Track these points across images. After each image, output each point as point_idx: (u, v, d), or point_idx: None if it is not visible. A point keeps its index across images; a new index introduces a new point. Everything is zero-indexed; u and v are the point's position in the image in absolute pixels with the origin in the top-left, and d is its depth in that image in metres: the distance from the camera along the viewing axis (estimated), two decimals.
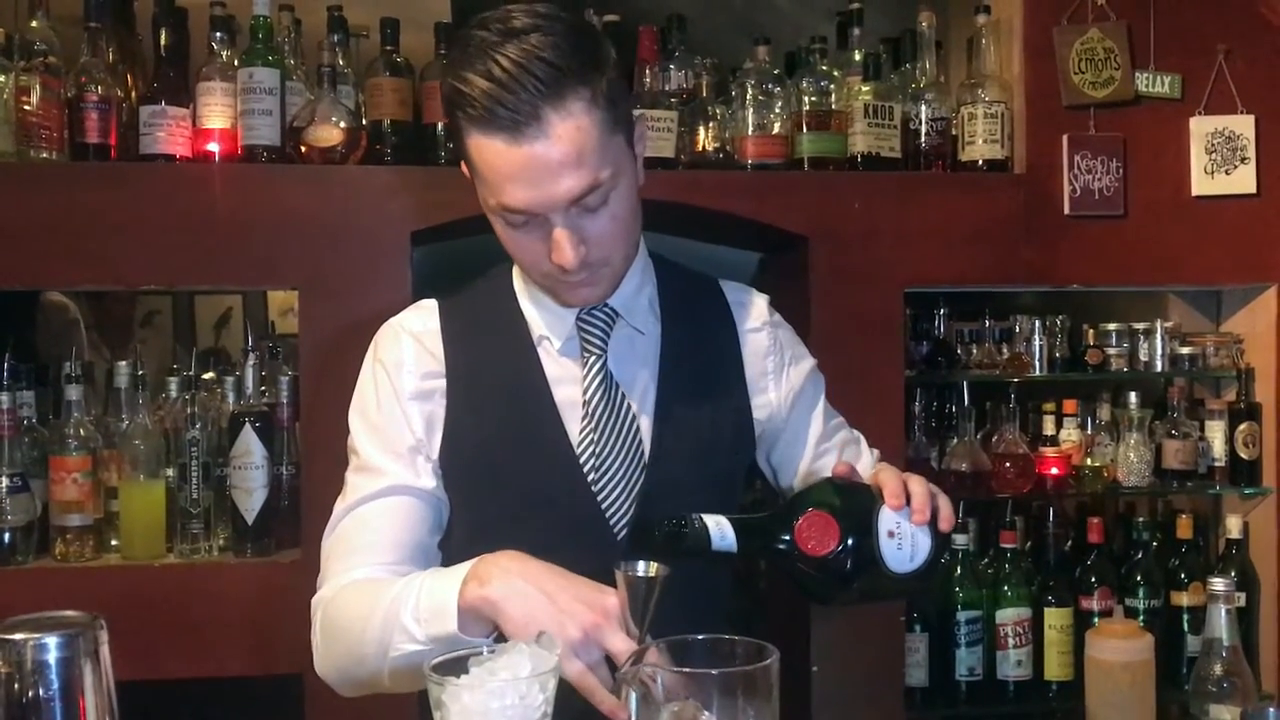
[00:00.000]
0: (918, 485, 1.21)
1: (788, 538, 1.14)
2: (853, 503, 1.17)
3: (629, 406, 1.36)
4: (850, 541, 1.14)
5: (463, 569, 1.17)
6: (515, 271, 1.42)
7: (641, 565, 1.07)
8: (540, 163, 1.16)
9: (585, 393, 1.35)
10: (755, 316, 1.49)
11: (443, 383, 1.37)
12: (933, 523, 1.19)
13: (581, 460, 1.34)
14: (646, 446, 1.36)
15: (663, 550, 1.13)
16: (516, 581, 1.11)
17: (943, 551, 1.22)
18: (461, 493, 1.37)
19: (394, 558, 1.32)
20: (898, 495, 1.18)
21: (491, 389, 1.37)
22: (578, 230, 1.22)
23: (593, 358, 1.36)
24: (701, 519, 1.14)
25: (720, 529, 1.14)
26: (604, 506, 1.33)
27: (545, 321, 1.38)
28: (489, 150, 1.18)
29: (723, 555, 1.15)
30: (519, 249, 1.28)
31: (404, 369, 1.37)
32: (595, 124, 1.18)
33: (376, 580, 1.29)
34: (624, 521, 1.34)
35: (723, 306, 1.48)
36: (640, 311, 1.40)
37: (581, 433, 1.34)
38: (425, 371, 1.37)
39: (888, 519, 1.16)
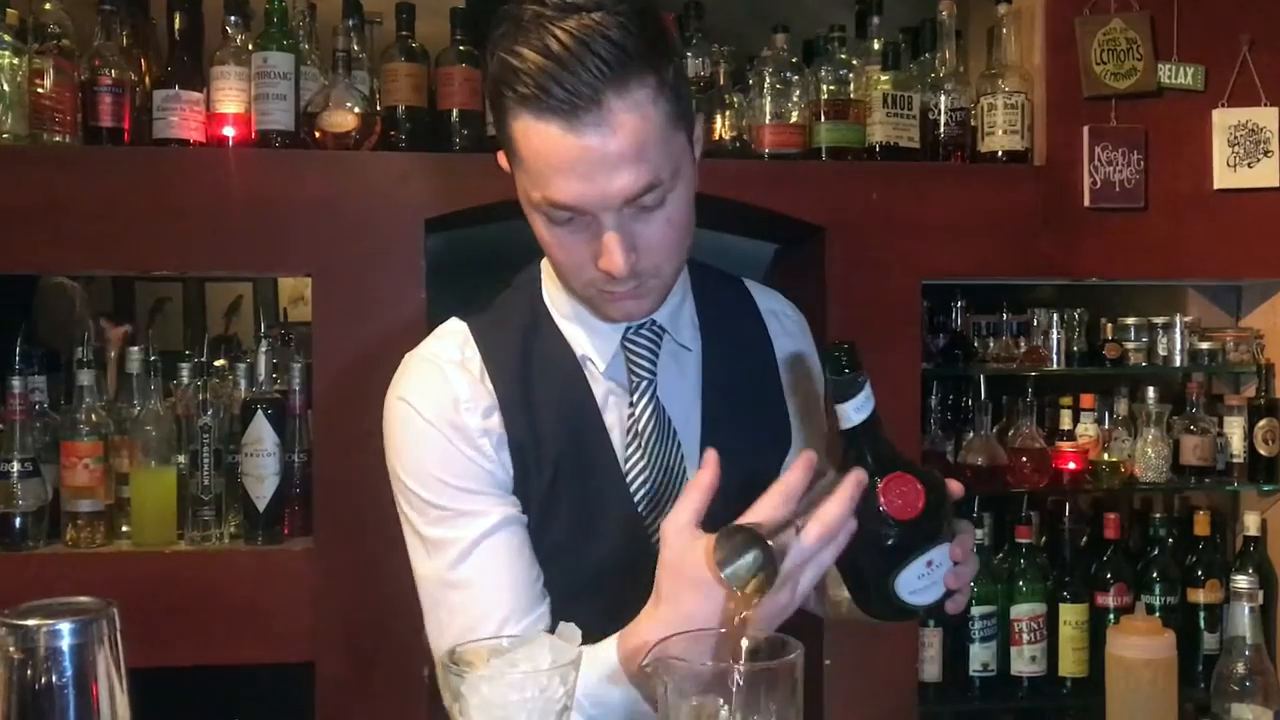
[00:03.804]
0: (974, 564, 1.12)
1: (878, 480, 1.06)
2: (940, 510, 1.09)
3: (674, 432, 1.26)
4: (908, 533, 1.07)
5: (606, 646, 1.09)
6: (545, 284, 1.30)
7: None
8: (596, 154, 1.04)
9: (638, 422, 1.24)
10: (794, 332, 1.41)
11: (499, 414, 1.23)
12: (950, 595, 1.11)
13: (633, 490, 1.24)
14: (693, 469, 1.24)
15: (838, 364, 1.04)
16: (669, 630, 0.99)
17: (921, 616, 1.16)
18: None
19: (515, 609, 1.19)
20: (966, 553, 1.09)
21: (545, 417, 1.23)
22: (629, 234, 1.10)
23: (643, 384, 1.25)
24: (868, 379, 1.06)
25: (869, 397, 1.06)
26: (650, 533, 1.24)
27: (588, 341, 1.25)
28: (538, 136, 1.06)
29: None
30: (561, 251, 1.15)
31: (461, 405, 1.21)
32: (660, 115, 1.06)
33: None
34: None
35: (755, 314, 1.39)
36: (685, 325, 1.30)
37: (628, 462, 1.24)
38: (484, 406, 1.22)
39: (940, 554, 1.09)
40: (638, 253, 1.12)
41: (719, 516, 1.22)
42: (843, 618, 1.35)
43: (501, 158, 1.18)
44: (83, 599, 0.84)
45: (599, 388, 1.26)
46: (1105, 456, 2.60)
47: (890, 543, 1.07)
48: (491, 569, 1.20)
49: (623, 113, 1.04)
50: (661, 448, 1.25)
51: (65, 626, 0.79)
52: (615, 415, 1.26)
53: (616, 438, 1.25)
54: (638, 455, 1.24)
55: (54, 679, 0.79)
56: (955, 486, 1.11)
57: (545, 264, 1.30)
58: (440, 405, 1.22)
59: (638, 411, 1.25)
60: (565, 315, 1.27)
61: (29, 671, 0.78)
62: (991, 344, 2.69)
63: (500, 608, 1.19)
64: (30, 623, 0.79)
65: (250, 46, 2.20)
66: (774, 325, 1.40)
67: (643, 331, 1.26)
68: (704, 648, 0.96)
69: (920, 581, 1.09)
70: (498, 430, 1.22)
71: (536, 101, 1.04)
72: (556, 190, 1.08)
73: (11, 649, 0.78)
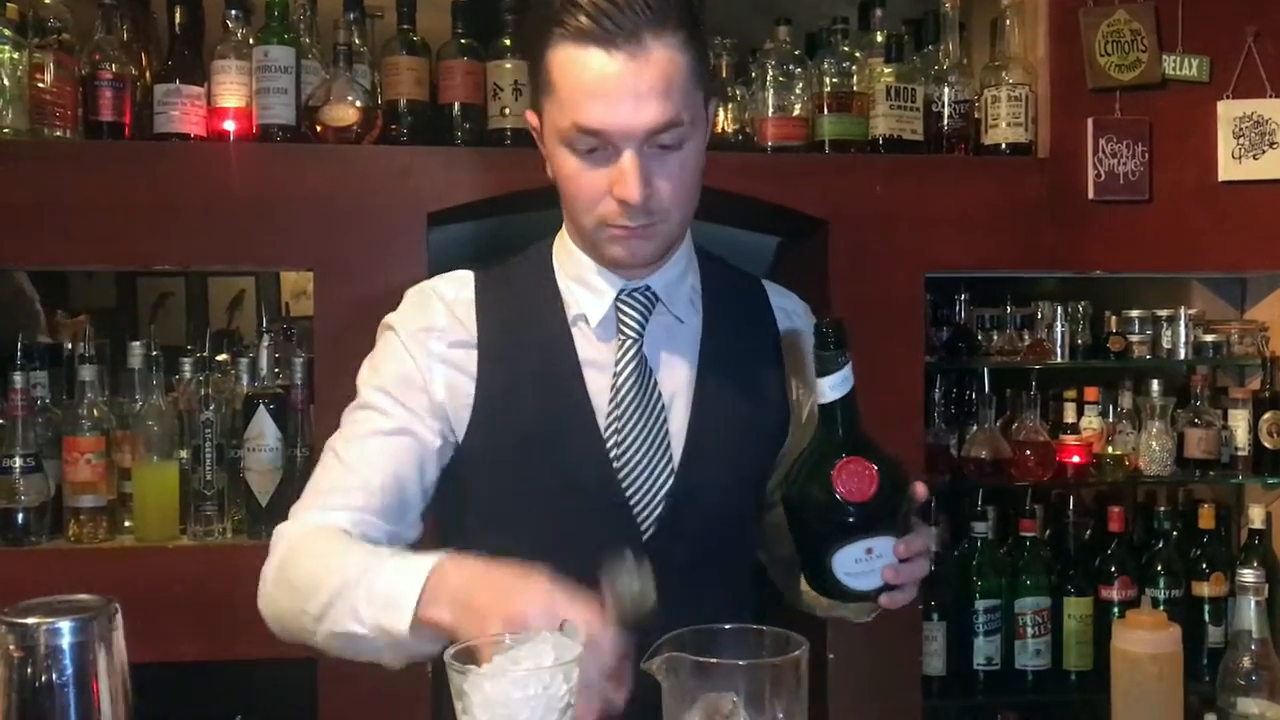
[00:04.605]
0: (921, 566, 1.15)
1: (837, 458, 1.10)
2: (890, 502, 1.11)
3: (658, 395, 1.31)
4: (852, 515, 1.10)
5: (422, 569, 1.10)
6: (556, 247, 1.37)
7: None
8: (629, 84, 1.16)
9: (616, 377, 1.30)
10: (804, 331, 1.43)
11: (474, 354, 1.31)
12: (887, 588, 1.14)
13: (609, 449, 1.28)
14: (679, 443, 1.30)
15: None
16: (464, 606, 1.05)
17: (854, 603, 1.19)
18: (485, 476, 1.32)
19: (375, 503, 1.26)
20: (909, 550, 1.13)
21: (523, 368, 1.31)
22: (647, 168, 1.19)
23: (629, 341, 1.31)
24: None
25: (847, 378, 1.12)
26: (630, 500, 1.28)
27: (583, 299, 1.33)
28: (577, 63, 1.16)
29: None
30: (578, 183, 1.23)
31: (433, 333, 1.32)
32: (687, 64, 1.19)
33: (343, 539, 1.22)
34: (651, 518, 1.28)
35: (765, 308, 1.43)
36: (681, 300, 1.36)
37: (608, 418, 1.29)
38: (455, 339, 1.32)
39: (883, 544, 1.12)
40: (652, 188, 1.20)
41: (704, 484, 1.30)
42: (826, 611, 1.39)
43: (530, 115, 1.27)
44: (84, 597, 0.84)
45: (589, 347, 1.32)
46: (1109, 450, 2.59)
47: (833, 520, 1.11)
48: (374, 460, 1.28)
49: (657, 49, 1.16)
50: (639, 406, 1.29)
51: (65, 625, 0.79)
52: (602, 376, 1.31)
53: (599, 398, 1.30)
54: (615, 410, 1.29)
55: (54, 677, 0.78)
56: (920, 489, 1.15)
57: (561, 233, 1.38)
58: (414, 328, 1.33)
59: (620, 365, 1.30)
60: (567, 276, 1.35)
61: (29, 670, 0.78)
62: (995, 337, 2.69)
63: (359, 496, 1.26)
64: (30, 621, 0.79)
65: (251, 40, 2.20)
66: (784, 323, 1.43)
67: (636, 295, 1.32)
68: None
69: (857, 566, 1.12)
70: (465, 365, 1.30)
71: (582, 33, 1.16)
72: (586, 114, 1.17)
73: (11, 647, 0.78)
